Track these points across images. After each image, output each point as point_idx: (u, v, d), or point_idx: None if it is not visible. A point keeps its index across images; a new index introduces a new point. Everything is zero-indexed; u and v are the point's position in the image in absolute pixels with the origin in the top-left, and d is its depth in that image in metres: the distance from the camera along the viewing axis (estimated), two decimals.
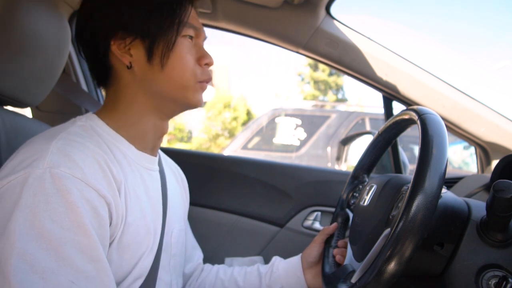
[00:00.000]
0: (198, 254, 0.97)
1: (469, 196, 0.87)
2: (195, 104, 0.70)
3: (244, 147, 4.59)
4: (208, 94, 10.53)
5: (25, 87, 0.79)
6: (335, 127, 4.47)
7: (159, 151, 0.81)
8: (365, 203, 0.76)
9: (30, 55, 0.76)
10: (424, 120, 0.59)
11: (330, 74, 15.03)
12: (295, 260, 0.90)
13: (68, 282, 0.49)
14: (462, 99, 1.14)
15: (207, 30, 0.75)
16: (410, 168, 1.43)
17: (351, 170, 0.96)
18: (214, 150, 9.82)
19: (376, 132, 0.86)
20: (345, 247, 0.84)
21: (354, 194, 0.91)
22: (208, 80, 0.71)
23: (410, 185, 0.52)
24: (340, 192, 0.95)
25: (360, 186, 0.91)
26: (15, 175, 0.53)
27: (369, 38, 1.16)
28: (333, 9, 1.13)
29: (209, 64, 0.71)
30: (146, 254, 0.65)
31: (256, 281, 0.90)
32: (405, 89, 1.16)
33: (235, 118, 10.68)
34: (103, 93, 0.79)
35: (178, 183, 0.89)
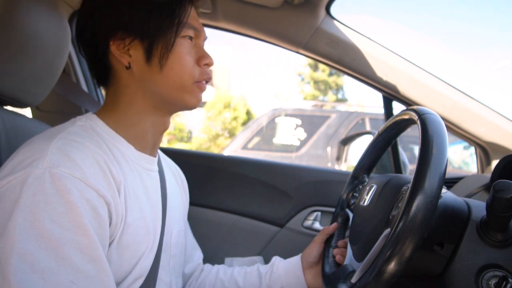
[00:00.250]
0: (198, 254, 0.97)
1: (469, 196, 0.87)
2: (192, 105, 0.70)
3: (244, 147, 4.59)
4: (208, 94, 10.53)
5: (25, 87, 0.79)
6: (335, 127, 4.47)
7: (159, 151, 0.81)
8: (365, 203, 0.76)
9: (30, 55, 0.76)
10: (424, 120, 0.59)
11: (330, 74, 15.03)
12: (295, 260, 0.90)
13: (68, 282, 0.50)
14: (462, 99, 1.14)
15: (207, 30, 0.75)
16: (410, 168, 1.43)
17: (351, 170, 0.96)
18: (214, 150, 9.81)
19: (376, 132, 0.86)
20: (345, 247, 0.84)
21: (354, 194, 0.91)
22: (207, 79, 0.71)
23: (410, 185, 0.52)
24: (340, 192, 0.95)
25: (360, 186, 0.91)
26: (15, 175, 0.53)
27: (369, 38, 1.16)
28: (333, 9, 1.14)
29: (209, 64, 0.71)
30: (146, 254, 0.65)
31: (256, 281, 0.90)
32: (405, 89, 1.16)
33: (235, 118, 10.68)
34: (103, 93, 0.79)
35: (177, 184, 0.89)
